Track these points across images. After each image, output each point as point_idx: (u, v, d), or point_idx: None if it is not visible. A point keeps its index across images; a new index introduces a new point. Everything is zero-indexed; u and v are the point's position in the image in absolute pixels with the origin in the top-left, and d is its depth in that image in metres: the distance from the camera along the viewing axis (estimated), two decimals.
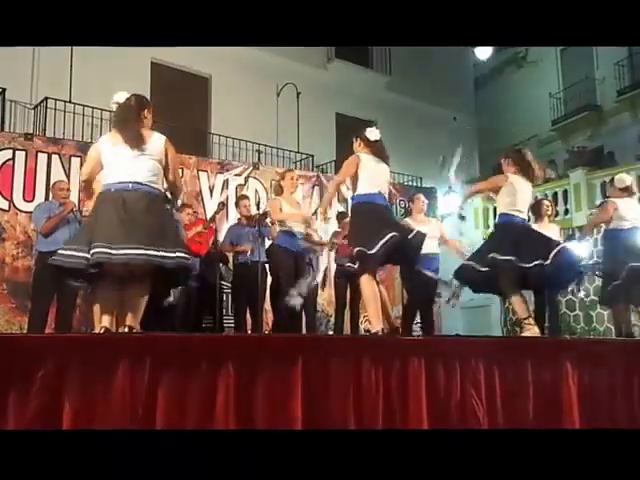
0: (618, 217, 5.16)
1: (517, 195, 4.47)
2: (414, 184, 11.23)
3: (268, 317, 6.18)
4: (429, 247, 5.22)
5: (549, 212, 5.82)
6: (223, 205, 6.72)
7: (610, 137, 13.18)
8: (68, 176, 6.79)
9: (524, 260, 4.21)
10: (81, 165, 6.89)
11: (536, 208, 5.67)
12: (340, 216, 6.61)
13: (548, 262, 4.16)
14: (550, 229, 5.53)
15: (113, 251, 3.10)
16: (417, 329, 6.16)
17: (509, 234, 4.42)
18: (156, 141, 3.40)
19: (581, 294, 8.52)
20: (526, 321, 4.36)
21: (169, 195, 3.56)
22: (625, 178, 5.32)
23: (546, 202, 5.91)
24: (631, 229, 5.13)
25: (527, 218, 4.72)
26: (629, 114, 13.32)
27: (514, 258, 4.20)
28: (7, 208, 6.64)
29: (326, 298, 7.82)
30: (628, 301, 5.24)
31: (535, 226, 5.32)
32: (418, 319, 6.13)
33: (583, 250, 5.76)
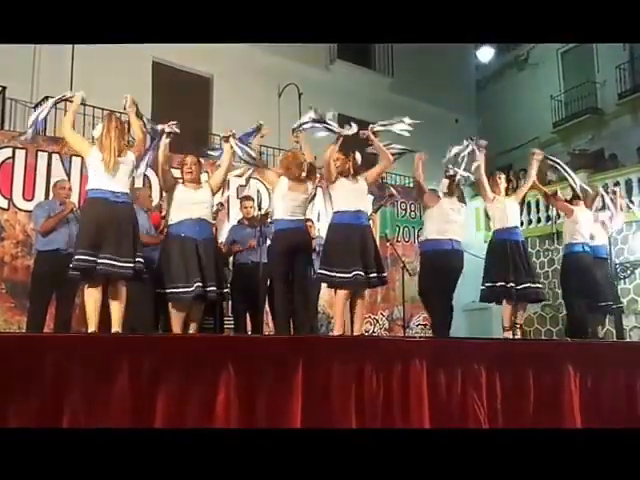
0: None
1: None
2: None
3: (268, 318, 6.15)
4: None
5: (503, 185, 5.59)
6: (222, 205, 6.68)
7: (611, 140, 13.16)
8: (68, 175, 6.76)
9: None
10: (82, 165, 6.86)
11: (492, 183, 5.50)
12: None
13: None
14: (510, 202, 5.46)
15: None
16: (418, 330, 6.11)
17: None
18: None
19: None
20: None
21: None
22: None
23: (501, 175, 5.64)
24: None
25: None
26: (630, 117, 13.31)
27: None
28: (7, 207, 6.61)
29: (327, 300, 7.79)
30: None
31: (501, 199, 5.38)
32: (420, 320, 6.08)
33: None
